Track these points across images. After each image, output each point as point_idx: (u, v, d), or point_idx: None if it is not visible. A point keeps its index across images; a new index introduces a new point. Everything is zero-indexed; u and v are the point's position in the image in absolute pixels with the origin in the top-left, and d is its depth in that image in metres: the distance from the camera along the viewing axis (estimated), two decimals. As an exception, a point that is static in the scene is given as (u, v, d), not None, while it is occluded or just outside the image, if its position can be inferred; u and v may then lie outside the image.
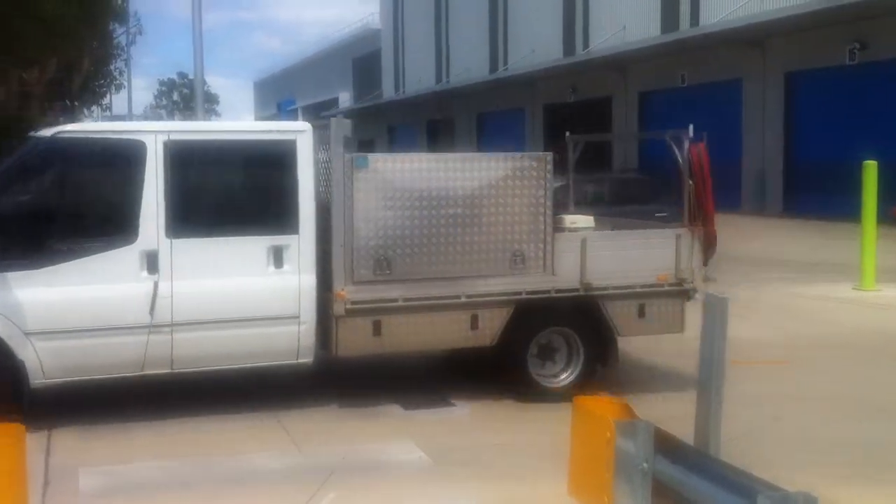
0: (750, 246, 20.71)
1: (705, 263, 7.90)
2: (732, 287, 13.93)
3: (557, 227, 7.70)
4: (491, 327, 7.34)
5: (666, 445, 3.83)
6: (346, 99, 73.76)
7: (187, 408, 7.17)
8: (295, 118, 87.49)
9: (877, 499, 5.34)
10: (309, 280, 6.98)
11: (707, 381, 4.04)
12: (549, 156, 7.51)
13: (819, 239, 22.52)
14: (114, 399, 7.49)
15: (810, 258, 18.67)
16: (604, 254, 7.59)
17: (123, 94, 41.51)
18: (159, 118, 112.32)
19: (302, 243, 6.96)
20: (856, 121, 27.23)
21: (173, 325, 6.68)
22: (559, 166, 8.55)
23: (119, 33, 33.95)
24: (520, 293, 7.38)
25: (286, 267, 6.95)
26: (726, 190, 30.84)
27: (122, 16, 32.23)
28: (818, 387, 8.10)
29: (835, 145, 27.43)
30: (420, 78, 57.74)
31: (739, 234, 22.22)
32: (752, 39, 30.48)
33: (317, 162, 7.20)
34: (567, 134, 10.01)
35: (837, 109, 28.43)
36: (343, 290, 6.92)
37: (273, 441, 6.30)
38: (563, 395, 6.99)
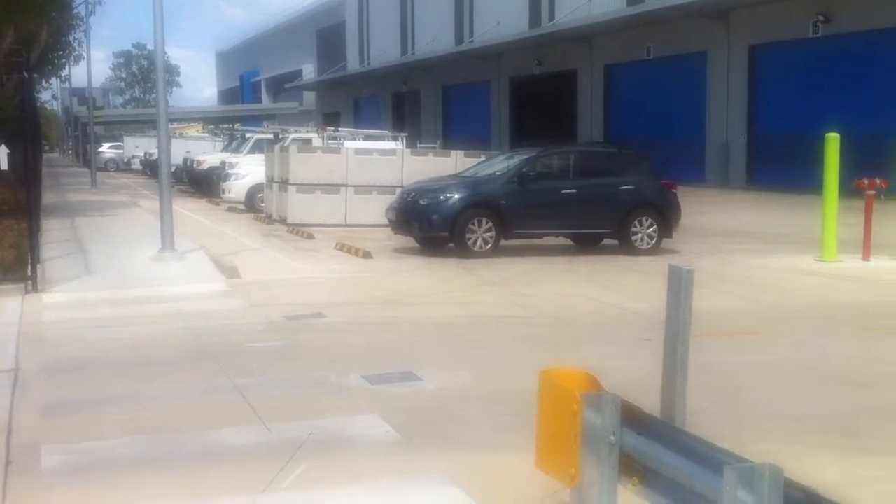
0: (715, 218, 20.86)
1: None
2: (698, 258, 14.06)
3: None
4: None
5: (632, 417, 3.84)
6: (309, 71, 72.98)
7: (151, 384, 7.11)
8: (258, 90, 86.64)
9: (843, 467, 5.41)
10: None
11: (672, 352, 4.05)
12: None
13: (782, 211, 22.74)
14: (77, 377, 7.41)
15: (774, 230, 18.86)
16: None
17: (81, 65, 40.70)
18: (119, 91, 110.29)
19: None
20: (819, 94, 27.46)
21: None
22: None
23: (78, 3, 33.29)
24: None
25: None
26: (691, 163, 31.13)
27: (81, -15, 31.60)
28: (783, 357, 8.19)
29: (798, 118, 27.64)
30: (385, 50, 57.32)
31: (704, 207, 22.37)
32: (716, 12, 30.58)
33: None
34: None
35: (801, 82, 28.63)
36: None
37: (239, 417, 6.25)
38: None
